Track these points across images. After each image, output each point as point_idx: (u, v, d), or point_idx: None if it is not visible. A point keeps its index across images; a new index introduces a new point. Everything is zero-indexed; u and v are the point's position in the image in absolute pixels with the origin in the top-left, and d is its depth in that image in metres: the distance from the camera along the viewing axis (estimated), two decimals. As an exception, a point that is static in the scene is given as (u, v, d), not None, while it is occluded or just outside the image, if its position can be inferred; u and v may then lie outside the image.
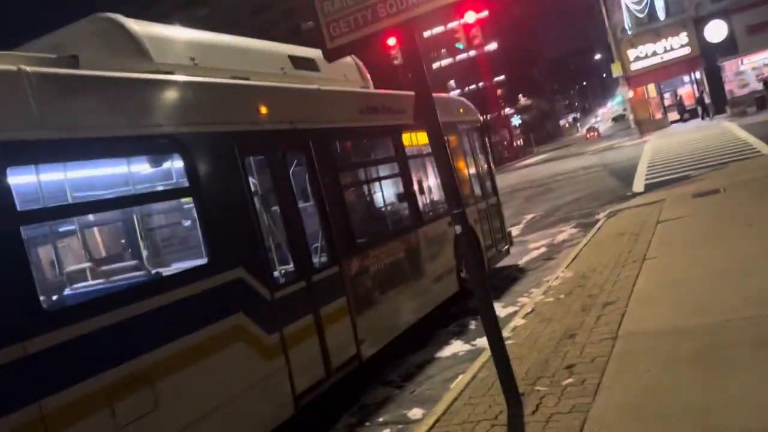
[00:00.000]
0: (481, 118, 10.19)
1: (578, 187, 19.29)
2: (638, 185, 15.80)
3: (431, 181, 8.38)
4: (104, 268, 4.67)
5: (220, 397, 4.02)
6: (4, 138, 3.12)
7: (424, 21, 3.82)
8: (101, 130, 3.69)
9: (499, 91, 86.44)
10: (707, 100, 36.06)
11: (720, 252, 6.55)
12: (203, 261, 4.30)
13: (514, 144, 78.03)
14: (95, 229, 5.58)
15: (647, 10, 36.45)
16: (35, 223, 3.96)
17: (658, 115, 39.59)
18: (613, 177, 19.55)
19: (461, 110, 9.40)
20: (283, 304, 4.78)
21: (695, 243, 7.34)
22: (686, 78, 39.01)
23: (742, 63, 36.12)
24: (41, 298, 3.30)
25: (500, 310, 7.47)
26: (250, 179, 4.93)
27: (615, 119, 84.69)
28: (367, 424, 5.08)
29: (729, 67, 36.16)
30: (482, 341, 5.68)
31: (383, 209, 7.19)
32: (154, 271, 4.52)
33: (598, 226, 10.83)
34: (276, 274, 5.01)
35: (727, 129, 24.75)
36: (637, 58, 37.82)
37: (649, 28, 37.10)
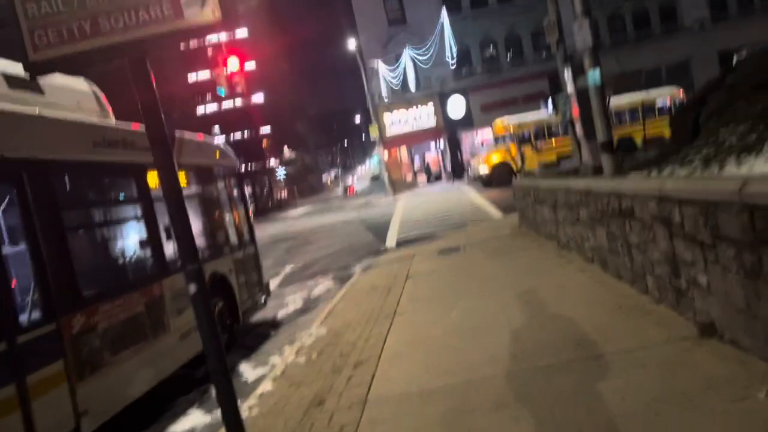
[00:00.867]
0: (239, 165, 9.67)
1: (337, 240, 19.68)
2: (391, 241, 16.58)
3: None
4: None
5: None
6: None
7: (156, 46, 3.16)
8: None
9: (265, 142, 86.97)
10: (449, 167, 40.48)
11: (461, 308, 6.85)
12: None
13: (279, 195, 78.64)
14: None
15: (401, 81, 40.04)
16: None
17: (409, 177, 43.26)
18: (369, 232, 20.37)
19: (217, 154, 8.79)
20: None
21: (440, 299, 7.63)
22: (433, 144, 43.46)
23: (476, 135, 41.50)
24: None
25: (250, 371, 6.89)
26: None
27: (373, 178, 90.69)
28: None
29: (465, 138, 41.28)
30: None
31: (120, 257, 6.16)
32: None
33: (352, 280, 10.91)
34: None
35: (465, 193, 27.76)
36: (392, 124, 41.09)
37: (402, 97, 40.72)
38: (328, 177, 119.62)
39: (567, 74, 12.98)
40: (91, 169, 5.68)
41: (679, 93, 30.43)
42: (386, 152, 41.12)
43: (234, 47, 36.77)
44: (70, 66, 3.32)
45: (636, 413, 3.39)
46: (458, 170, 39.78)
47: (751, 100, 9.16)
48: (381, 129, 40.82)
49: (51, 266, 4.70)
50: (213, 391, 6.27)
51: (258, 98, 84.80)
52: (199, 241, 7.90)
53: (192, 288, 3.29)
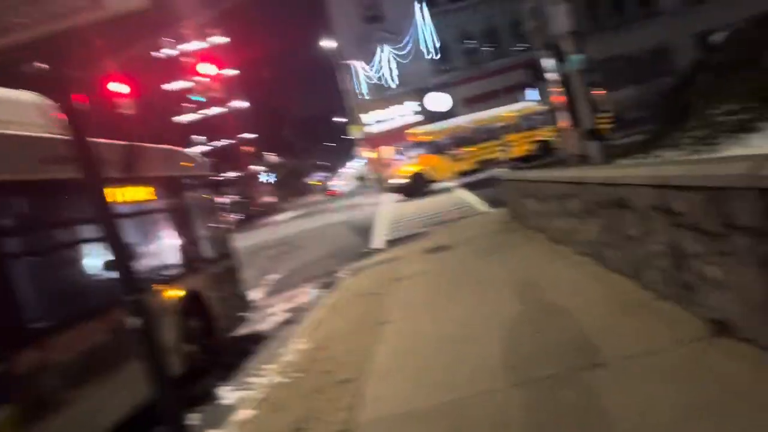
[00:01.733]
0: (211, 173, 9.20)
1: (323, 244, 19.23)
2: (378, 242, 16.16)
3: (152, 244, 7.10)
4: None
5: None
6: None
7: (73, 41, 2.70)
8: None
9: (251, 149, 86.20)
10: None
11: (453, 313, 6.44)
12: None
13: (266, 201, 77.89)
14: None
15: (379, 76, 39.62)
16: None
17: (396, 175, 42.80)
18: (356, 234, 19.92)
19: (185, 163, 8.32)
20: None
21: (430, 303, 7.23)
22: (417, 142, 42.98)
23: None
24: None
25: (229, 394, 6.44)
26: None
27: (359, 179, 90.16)
28: None
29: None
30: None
31: (66, 286, 5.65)
32: None
33: (340, 286, 10.48)
34: None
35: (452, 189, 27.39)
36: (374, 122, 40.65)
37: (382, 95, 40.30)
38: (313, 180, 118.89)
39: (547, 61, 12.63)
40: (36, 187, 5.11)
41: (538, 107, 30.27)
42: (371, 152, 40.66)
43: (210, 54, 36.23)
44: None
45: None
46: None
47: (740, 78, 8.88)
48: (362, 128, 40.40)
49: None
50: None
51: (241, 105, 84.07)
52: (168, 257, 7.43)
53: (134, 323, 2.84)
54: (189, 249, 7.51)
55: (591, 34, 37.04)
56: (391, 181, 29.66)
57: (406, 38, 37.31)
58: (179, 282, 7.06)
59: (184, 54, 63.20)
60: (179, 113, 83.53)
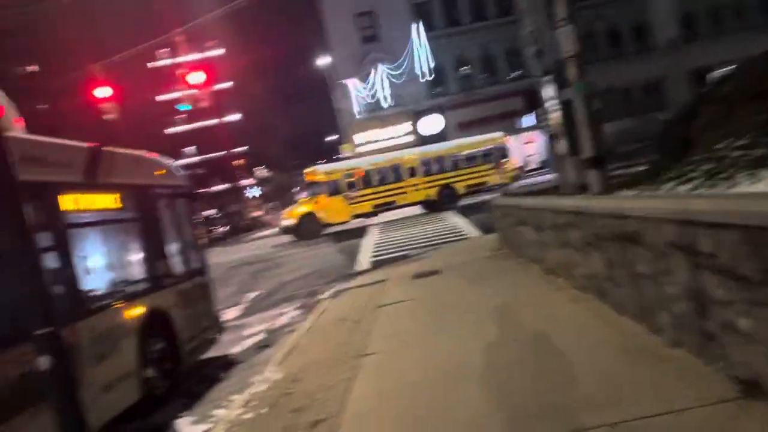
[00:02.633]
0: (187, 184, 8.62)
1: (307, 262, 18.62)
2: (364, 262, 15.62)
3: (109, 258, 6.49)
4: None
5: None
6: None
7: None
8: None
9: (242, 162, 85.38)
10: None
11: (440, 348, 5.88)
12: None
13: (253, 215, 76.94)
14: None
15: (373, 97, 39.28)
16: None
17: (384, 196, 42.26)
18: (341, 253, 19.36)
19: (160, 172, 7.75)
20: None
21: (415, 334, 6.66)
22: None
23: (454, 155, 40.92)
24: None
25: (190, 427, 5.81)
26: None
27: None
28: None
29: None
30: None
31: (12, 300, 5.06)
32: None
33: (320, 309, 9.88)
34: None
35: (443, 212, 26.94)
36: (367, 142, 40.22)
37: (376, 115, 39.96)
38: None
39: (547, 87, 12.26)
40: None
41: (503, 140, 30.73)
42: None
43: (203, 65, 35.77)
44: None
45: None
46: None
47: (750, 111, 8.48)
48: (354, 148, 39.94)
49: None
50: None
51: (232, 118, 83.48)
52: (128, 272, 6.83)
53: (43, 362, 2.26)
54: (154, 263, 6.91)
55: (586, 64, 37.13)
56: (281, 221, 28.98)
57: (402, 59, 37.07)
58: (141, 299, 6.45)
59: (177, 65, 62.74)
60: (171, 125, 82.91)
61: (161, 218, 7.40)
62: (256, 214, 79.01)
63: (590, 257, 6.21)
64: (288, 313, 11.05)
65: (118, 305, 6.11)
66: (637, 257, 4.81)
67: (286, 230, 27.69)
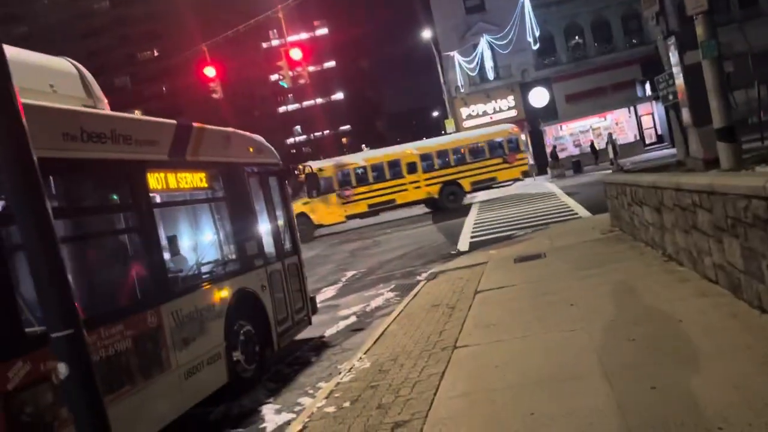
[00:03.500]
0: (280, 162, 8.43)
1: (405, 241, 18.29)
2: (463, 243, 15.04)
3: (196, 236, 6.41)
4: None
5: None
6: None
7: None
8: None
9: (344, 140, 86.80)
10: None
11: (541, 344, 5.28)
12: None
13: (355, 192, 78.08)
14: None
15: (477, 69, 37.97)
16: None
17: (488, 172, 41.01)
18: (440, 232, 18.86)
19: (251, 149, 7.58)
20: None
21: (513, 326, 6.07)
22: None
23: (561, 128, 38.91)
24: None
25: (272, 415, 5.63)
26: None
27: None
28: None
29: (549, 132, 38.76)
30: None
31: (98, 280, 5.03)
32: None
33: (414, 291, 9.47)
34: None
35: (548, 189, 25.64)
36: (469, 116, 39.15)
37: (480, 88, 38.72)
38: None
39: (671, 50, 10.96)
40: (61, 167, 4.40)
41: (514, 131, 27.81)
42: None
43: (306, 44, 36.15)
44: None
45: None
46: (541, 165, 37.42)
47: None
48: (457, 122, 39.04)
49: None
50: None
51: (336, 96, 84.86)
52: (221, 251, 6.74)
53: (62, 369, 1.97)
54: (244, 243, 6.74)
55: (717, 26, 33.65)
56: None
57: (508, 29, 35.39)
58: (229, 279, 6.31)
59: (281, 45, 64.38)
60: (278, 105, 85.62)
61: (252, 197, 7.25)
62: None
63: (724, 244, 5.31)
64: (383, 294, 10.74)
65: (206, 284, 6.01)
66: (789, 248, 3.94)
67: None
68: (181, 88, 68.07)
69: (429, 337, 6.38)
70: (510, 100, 38.59)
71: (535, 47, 34.87)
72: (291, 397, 6.03)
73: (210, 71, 18.61)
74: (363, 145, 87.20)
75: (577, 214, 16.10)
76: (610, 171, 23.38)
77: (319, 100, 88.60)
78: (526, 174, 28.06)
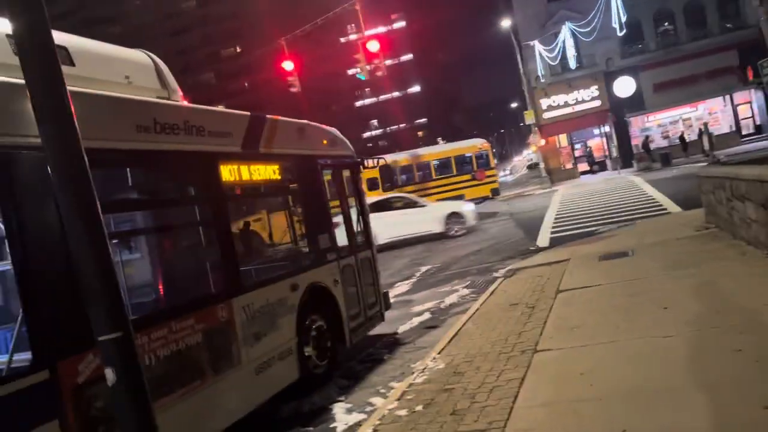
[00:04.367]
0: (355, 154, 8.29)
1: (482, 236, 17.84)
2: (543, 239, 14.48)
3: (268, 229, 6.37)
4: None
5: None
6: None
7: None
8: None
9: (420, 133, 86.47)
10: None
11: (631, 351, 4.85)
12: None
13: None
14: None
15: (559, 58, 36.57)
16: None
17: (569, 165, 39.60)
18: (519, 227, 18.28)
19: (325, 141, 7.47)
20: None
21: (599, 331, 5.64)
22: (596, 130, 39.35)
23: (647, 119, 36.93)
24: None
25: (342, 415, 5.49)
26: None
27: (530, 167, 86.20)
28: None
29: (635, 123, 36.87)
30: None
31: (168, 273, 5.04)
32: None
33: (491, 289, 9.12)
34: None
35: (634, 183, 24.38)
36: (550, 108, 37.86)
37: (561, 78, 37.31)
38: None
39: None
40: (138, 158, 4.41)
41: (484, 146, 26.09)
42: (542, 139, 37.93)
43: (383, 37, 36.12)
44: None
45: None
46: (626, 158, 35.67)
47: None
48: (537, 114, 37.86)
49: (39, 293, 3.23)
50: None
51: (413, 89, 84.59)
52: (294, 245, 6.66)
53: (110, 376, 1.84)
54: (316, 237, 6.65)
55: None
56: None
57: (591, 15, 33.81)
58: (302, 273, 6.22)
59: (361, 38, 64.85)
60: (356, 99, 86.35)
61: (326, 190, 7.15)
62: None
63: None
64: (458, 291, 10.44)
65: (277, 278, 5.95)
66: None
67: None
68: (262, 84, 69.99)
69: (507, 339, 6.05)
70: (593, 90, 36.96)
71: (621, 34, 33.16)
72: (362, 396, 5.87)
73: (288, 65, 18.84)
74: (438, 139, 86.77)
75: (666, 209, 15.15)
76: (704, 164, 21.91)
77: (396, 94, 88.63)
78: (495, 192, 26.63)
